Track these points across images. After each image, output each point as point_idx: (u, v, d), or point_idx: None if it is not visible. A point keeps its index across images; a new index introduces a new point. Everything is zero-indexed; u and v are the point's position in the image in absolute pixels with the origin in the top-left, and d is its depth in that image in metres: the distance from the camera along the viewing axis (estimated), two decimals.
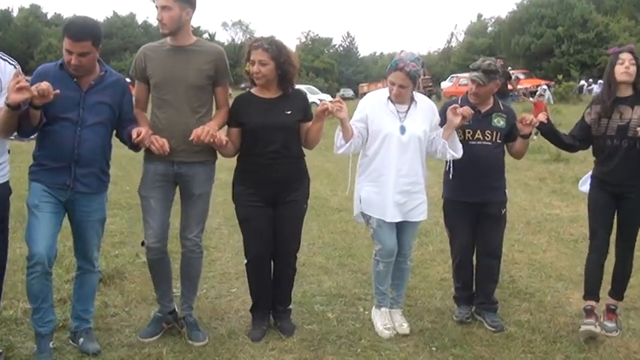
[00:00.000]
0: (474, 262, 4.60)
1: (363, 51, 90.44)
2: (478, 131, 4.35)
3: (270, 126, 4.01)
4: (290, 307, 4.44)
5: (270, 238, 4.16)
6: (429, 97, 25.81)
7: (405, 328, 4.35)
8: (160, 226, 4.05)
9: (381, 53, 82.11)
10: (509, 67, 18.47)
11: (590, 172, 4.49)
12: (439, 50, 77.90)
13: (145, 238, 4.11)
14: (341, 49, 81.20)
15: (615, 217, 4.35)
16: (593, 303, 4.35)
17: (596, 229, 4.38)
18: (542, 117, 4.35)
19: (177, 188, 4.13)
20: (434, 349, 4.11)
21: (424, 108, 4.25)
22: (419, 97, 4.28)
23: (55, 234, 3.74)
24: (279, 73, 4.00)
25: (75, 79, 3.69)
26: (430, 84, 38.21)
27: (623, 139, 4.15)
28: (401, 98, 4.14)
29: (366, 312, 4.65)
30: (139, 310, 4.63)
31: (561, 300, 4.93)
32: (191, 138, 3.78)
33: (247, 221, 4.17)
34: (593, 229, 4.41)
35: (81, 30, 3.61)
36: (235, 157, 4.20)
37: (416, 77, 4.06)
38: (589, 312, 4.31)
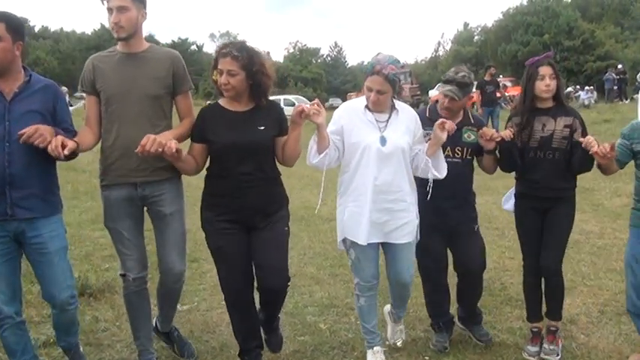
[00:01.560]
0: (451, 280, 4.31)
1: (351, 60, 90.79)
2: (448, 148, 3.97)
3: (242, 145, 3.51)
4: (278, 315, 4.05)
5: (249, 269, 3.67)
6: (417, 105, 25.92)
7: (398, 343, 4.29)
8: (139, 254, 3.75)
9: (376, 54, 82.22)
10: (501, 76, 18.60)
11: (512, 190, 4.28)
12: (426, 59, 78.31)
13: (124, 270, 3.77)
14: (329, 58, 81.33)
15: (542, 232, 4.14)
16: (538, 324, 4.24)
17: (528, 250, 4.22)
18: (506, 134, 3.98)
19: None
20: (427, 358, 4.12)
21: (406, 117, 3.81)
22: (400, 105, 3.83)
23: (15, 281, 3.38)
24: (250, 83, 3.51)
25: None
26: (418, 92, 38.40)
27: (547, 151, 3.97)
28: (379, 106, 3.68)
29: (359, 322, 4.59)
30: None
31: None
32: (136, 150, 3.32)
33: (220, 250, 3.64)
34: (525, 249, 4.25)
35: None
36: (203, 178, 3.74)
37: (395, 81, 3.60)
38: (535, 334, 4.20)
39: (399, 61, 3.66)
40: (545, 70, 3.92)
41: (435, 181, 3.86)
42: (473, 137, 4.07)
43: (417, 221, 3.88)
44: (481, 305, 4.94)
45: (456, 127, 3.83)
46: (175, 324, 4.28)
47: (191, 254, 6.32)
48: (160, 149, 3.31)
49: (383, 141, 3.66)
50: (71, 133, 3.44)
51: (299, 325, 4.64)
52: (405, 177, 3.76)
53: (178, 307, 4.79)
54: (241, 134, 3.54)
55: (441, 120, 3.77)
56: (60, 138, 3.18)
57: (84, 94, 3.83)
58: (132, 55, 3.64)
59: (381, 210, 3.70)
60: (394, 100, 3.80)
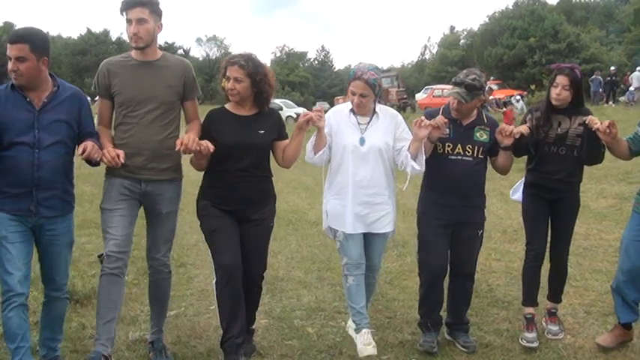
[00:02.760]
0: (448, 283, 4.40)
1: (338, 64, 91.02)
2: (459, 145, 4.13)
3: (243, 145, 3.90)
4: (253, 327, 4.26)
5: (239, 252, 3.93)
6: (404, 109, 25.99)
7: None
8: (123, 236, 3.82)
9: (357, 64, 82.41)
10: (491, 78, 18.66)
11: (522, 181, 4.54)
12: (413, 63, 78.55)
13: (105, 249, 3.83)
14: (316, 62, 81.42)
15: (550, 223, 4.43)
16: (532, 310, 4.42)
17: (532, 237, 4.42)
18: (523, 128, 4.19)
19: (142, 209, 3.99)
20: None
21: (387, 119, 4.10)
22: (381, 108, 4.14)
23: (29, 263, 3.60)
24: (254, 91, 3.90)
25: (27, 99, 3.50)
26: (405, 96, 38.47)
27: (561, 146, 4.25)
28: (362, 108, 4.02)
29: (345, 323, 4.59)
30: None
31: (539, 307, 4.97)
32: (177, 148, 3.67)
33: (216, 232, 3.94)
34: (529, 236, 4.45)
35: (17, 33, 3.53)
36: (195, 181, 4.03)
37: (376, 85, 3.94)
38: (529, 321, 4.36)
39: (378, 68, 4.03)
40: (560, 80, 4.18)
41: (446, 177, 4.12)
42: (485, 137, 4.18)
43: (393, 213, 4.17)
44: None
45: (446, 121, 4.01)
46: (163, 330, 4.27)
47: (178, 259, 6.34)
48: (198, 147, 3.67)
49: (362, 141, 4.00)
50: (95, 135, 3.76)
51: (286, 330, 4.64)
52: (382, 173, 4.06)
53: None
54: (243, 136, 3.91)
55: (418, 118, 3.99)
56: (112, 150, 3.63)
57: (89, 98, 3.99)
58: (147, 64, 3.88)
59: (361, 203, 4.02)
60: (376, 104, 4.08)
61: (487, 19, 56.20)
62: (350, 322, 4.22)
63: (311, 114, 3.87)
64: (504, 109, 19.13)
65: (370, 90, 3.94)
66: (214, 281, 3.95)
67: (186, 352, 4.23)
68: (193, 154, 3.78)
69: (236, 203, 3.95)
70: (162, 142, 3.84)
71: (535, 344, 4.21)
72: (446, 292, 4.38)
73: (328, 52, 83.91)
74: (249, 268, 3.99)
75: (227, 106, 4.06)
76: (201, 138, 3.89)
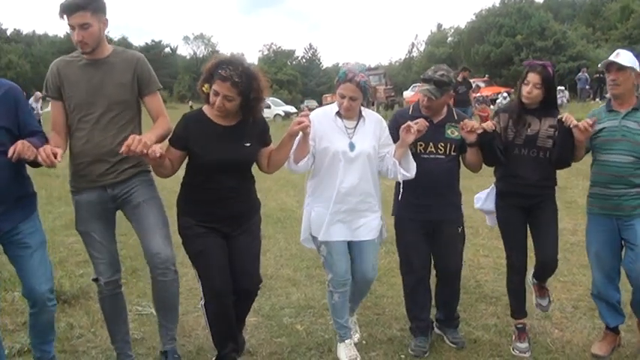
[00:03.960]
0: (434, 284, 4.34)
1: (326, 62, 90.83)
2: (431, 144, 4.05)
3: (230, 161, 3.58)
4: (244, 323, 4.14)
5: (228, 273, 3.68)
6: (392, 106, 26.00)
7: (355, 337, 4.32)
8: (111, 257, 3.73)
9: (344, 64, 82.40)
10: (486, 76, 18.69)
11: (490, 190, 4.36)
12: (401, 60, 78.74)
13: (97, 274, 3.75)
14: (304, 60, 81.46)
15: (530, 231, 4.23)
16: (522, 320, 4.30)
17: (511, 250, 4.29)
18: (488, 125, 4.03)
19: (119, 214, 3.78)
20: (403, 356, 4.14)
21: (372, 123, 3.97)
22: (367, 112, 4.00)
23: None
24: (243, 105, 3.55)
25: None
26: (392, 94, 38.59)
27: (532, 149, 4.07)
28: (351, 112, 3.87)
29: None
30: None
31: (527, 302, 4.99)
32: (121, 151, 3.29)
33: (202, 254, 3.66)
34: (508, 249, 4.32)
35: None
36: (180, 183, 3.75)
37: (366, 88, 3.81)
38: (521, 331, 4.25)
39: (366, 70, 3.93)
40: (531, 77, 4.03)
41: (419, 177, 3.96)
42: (456, 134, 4.09)
43: (381, 220, 4.04)
44: None
45: (427, 124, 3.91)
46: (151, 328, 4.26)
47: None
48: (145, 150, 3.28)
49: (352, 147, 3.85)
50: (38, 134, 3.45)
51: (275, 327, 4.64)
52: (369, 180, 3.92)
53: (153, 311, 4.76)
54: (228, 151, 3.57)
55: (406, 124, 3.86)
56: (48, 147, 3.21)
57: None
58: (97, 62, 3.62)
59: (346, 211, 3.89)
60: (361, 108, 3.95)
61: (474, 17, 56.45)
62: (334, 325, 4.23)
63: (306, 121, 3.60)
64: (483, 106, 19.14)
65: (360, 93, 3.80)
66: (203, 302, 3.77)
67: None
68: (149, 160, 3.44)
69: (223, 220, 3.68)
70: (121, 145, 3.37)
71: (527, 354, 4.12)
72: (434, 289, 4.36)
73: (316, 51, 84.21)
74: (243, 286, 3.76)
75: (206, 110, 3.67)
76: (172, 141, 3.64)
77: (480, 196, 4.43)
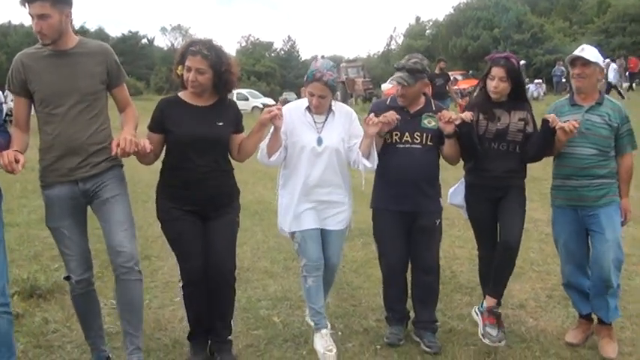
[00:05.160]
0: (410, 277, 4.32)
1: (305, 54, 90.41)
2: (407, 133, 4.05)
3: (202, 138, 3.66)
4: (230, 337, 4.02)
5: (203, 257, 3.76)
6: (370, 99, 26.02)
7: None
8: (82, 254, 3.65)
9: (323, 56, 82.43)
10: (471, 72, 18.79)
11: (460, 184, 4.39)
12: (379, 53, 78.79)
13: (68, 272, 3.67)
14: (282, 52, 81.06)
15: (498, 220, 4.19)
16: (498, 306, 4.18)
17: (481, 243, 4.35)
18: (466, 115, 4.00)
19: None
20: (378, 347, 4.16)
21: (342, 117, 4.06)
22: (337, 106, 4.09)
23: None
24: (216, 81, 3.66)
25: None
26: (371, 86, 38.59)
27: (502, 143, 4.09)
28: (321, 109, 3.97)
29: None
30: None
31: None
32: (113, 153, 3.37)
33: (180, 238, 3.76)
34: (478, 242, 4.37)
35: None
36: (152, 172, 3.77)
37: (334, 86, 3.92)
38: (497, 316, 4.13)
39: (335, 67, 4.00)
40: (496, 72, 4.04)
41: (396, 166, 4.06)
42: (433, 123, 4.08)
43: (349, 211, 4.15)
44: None
45: (397, 117, 3.94)
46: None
47: (142, 251, 6.26)
48: (137, 148, 3.39)
49: (320, 141, 3.96)
50: (2, 132, 3.43)
51: (252, 319, 4.64)
52: (337, 172, 4.03)
53: None
54: (201, 127, 3.67)
55: (367, 116, 3.96)
56: (11, 153, 3.18)
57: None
58: (62, 53, 3.53)
59: (315, 201, 4.00)
60: (332, 102, 4.04)
61: (452, 10, 56.64)
62: (309, 312, 4.25)
63: (276, 110, 3.73)
64: (463, 99, 19.24)
65: (329, 91, 3.90)
66: (181, 284, 3.87)
67: (151, 345, 4.20)
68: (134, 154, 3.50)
69: (200, 202, 3.75)
70: (92, 137, 3.52)
71: (501, 343, 4.04)
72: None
73: (295, 43, 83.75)
74: (219, 266, 3.80)
75: (181, 95, 3.80)
76: (151, 127, 3.74)
77: (452, 192, 4.44)
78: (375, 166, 4.03)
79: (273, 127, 3.83)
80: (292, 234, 4.07)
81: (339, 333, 4.37)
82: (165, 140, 3.74)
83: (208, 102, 3.77)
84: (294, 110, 4.06)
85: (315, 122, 4.00)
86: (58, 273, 5.61)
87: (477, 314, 4.27)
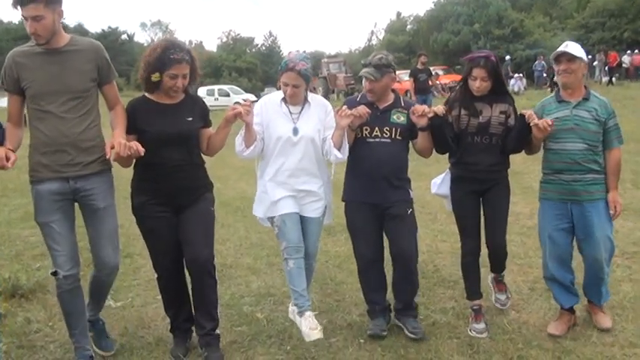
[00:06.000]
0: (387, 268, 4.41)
1: (286, 50, 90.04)
2: (376, 128, 4.15)
3: (175, 135, 3.77)
4: (218, 331, 4.07)
5: (179, 249, 3.89)
6: (352, 94, 25.98)
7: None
8: (70, 250, 3.68)
9: (304, 51, 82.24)
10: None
11: (444, 175, 4.49)
12: (360, 49, 78.74)
13: (55, 267, 3.69)
14: (263, 48, 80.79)
15: (483, 212, 4.37)
16: (478, 302, 4.40)
17: (465, 233, 4.40)
18: (438, 109, 4.14)
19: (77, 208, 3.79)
20: (362, 341, 4.18)
21: (317, 107, 4.14)
22: (312, 97, 4.18)
23: None
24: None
25: None
26: (352, 82, 38.62)
27: (484, 136, 4.21)
28: (295, 98, 4.03)
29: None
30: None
31: (484, 285, 5.08)
32: (108, 157, 3.53)
33: (153, 233, 3.90)
34: (462, 233, 4.43)
35: None
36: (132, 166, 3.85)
37: (307, 75, 3.98)
38: (477, 312, 4.36)
39: (308, 58, 4.06)
40: (477, 73, 4.14)
41: (366, 160, 4.15)
42: (402, 119, 4.20)
43: (325, 201, 4.19)
44: None
45: (368, 111, 4.02)
46: (109, 320, 4.26)
47: (124, 249, 6.23)
48: (129, 152, 3.49)
49: (295, 131, 4.02)
50: None
51: (235, 316, 4.64)
52: (313, 162, 4.10)
53: (112, 304, 4.76)
54: (171, 124, 3.79)
55: (338, 108, 4.02)
56: (2, 150, 3.30)
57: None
58: (54, 51, 3.58)
59: (292, 190, 4.05)
60: (307, 93, 4.12)
61: (433, 5, 56.70)
62: (292, 307, 4.18)
63: (239, 108, 3.80)
64: (450, 94, 19.35)
65: (302, 80, 3.97)
66: (156, 277, 4.07)
67: (134, 343, 4.20)
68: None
69: (171, 195, 3.85)
70: (83, 134, 3.61)
71: (485, 335, 4.21)
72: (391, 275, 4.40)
73: (276, 38, 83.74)
74: (196, 255, 3.87)
75: (148, 95, 3.89)
76: (129, 132, 3.78)
77: (435, 181, 4.53)
78: (346, 157, 4.11)
79: (245, 123, 3.91)
80: (271, 219, 4.10)
81: (324, 328, 4.36)
82: (139, 138, 3.73)
83: (177, 99, 3.89)
84: (270, 103, 4.14)
85: (290, 112, 4.07)
86: (40, 272, 5.59)
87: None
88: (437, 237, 6.66)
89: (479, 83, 4.14)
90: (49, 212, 3.62)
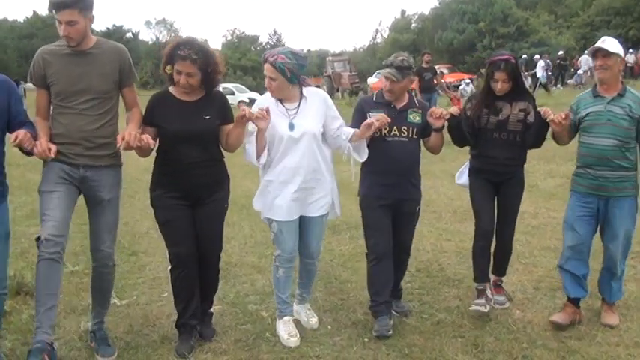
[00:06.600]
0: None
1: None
2: (395, 127, 4.25)
3: (189, 132, 3.86)
4: (212, 310, 4.33)
5: (193, 242, 4.00)
6: (356, 93, 25.97)
7: (313, 322, 4.41)
8: (61, 219, 3.69)
9: (309, 50, 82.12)
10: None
11: (466, 165, 4.74)
12: (365, 47, 78.65)
13: (41, 232, 3.68)
14: (268, 46, 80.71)
15: (497, 203, 4.61)
16: (484, 283, 4.60)
17: (481, 216, 4.59)
18: (454, 110, 4.45)
19: (82, 198, 3.92)
20: (366, 340, 4.18)
21: (315, 101, 4.16)
22: (309, 91, 4.19)
23: None
24: (204, 80, 3.89)
25: None
26: (357, 80, 38.60)
27: (503, 132, 4.43)
28: (278, 92, 4.06)
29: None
30: (68, 322, 4.49)
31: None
32: (118, 145, 3.63)
33: (169, 223, 3.98)
34: (478, 216, 4.61)
35: None
36: (141, 170, 3.97)
37: (284, 70, 3.94)
38: (480, 291, 4.57)
39: (292, 54, 4.01)
40: (499, 75, 4.34)
41: (385, 158, 4.25)
42: (418, 119, 4.34)
43: (331, 197, 4.24)
44: (419, 287, 5.10)
45: (388, 120, 4.11)
46: (114, 318, 4.29)
47: (130, 247, 6.29)
48: (139, 144, 3.63)
49: (291, 127, 4.04)
50: (28, 124, 3.69)
51: (240, 314, 4.64)
52: (317, 158, 4.12)
53: (117, 301, 4.76)
54: (188, 123, 3.88)
55: (369, 120, 4.08)
56: (44, 142, 3.58)
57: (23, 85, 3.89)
58: (81, 53, 3.77)
59: (298, 190, 4.07)
60: (303, 88, 4.16)
61: (438, 4, 56.66)
62: (296, 306, 4.46)
63: (247, 111, 3.85)
64: (454, 93, 19.33)
65: (278, 74, 3.97)
66: (169, 268, 4.07)
67: (139, 341, 4.19)
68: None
69: (188, 190, 3.95)
70: (98, 131, 3.79)
71: (486, 309, 4.41)
72: None
73: (280, 37, 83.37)
74: (205, 250, 4.05)
75: (172, 89, 3.99)
76: (145, 124, 3.93)
77: (459, 173, 4.85)
78: (365, 159, 4.23)
79: (257, 129, 3.94)
80: (269, 221, 4.16)
81: (328, 327, 4.38)
82: (158, 133, 3.92)
83: (196, 97, 3.96)
84: (265, 103, 4.10)
85: (286, 109, 4.10)
86: None
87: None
88: (441, 236, 6.66)
89: (500, 85, 4.34)
90: (54, 184, 3.76)
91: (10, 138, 3.53)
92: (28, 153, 3.64)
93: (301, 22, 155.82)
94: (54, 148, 3.60)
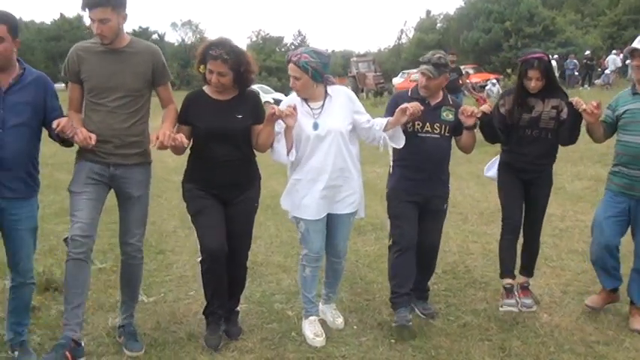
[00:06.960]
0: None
1: None
2: (427, 124, 4.32)
3: (222, 131, 3.92)
4: (238, 309, 4.37)
5: (224, 233, 4.01)
6: (381, 93, 25.85)
7: (339, 323, 4.42)
8: (89, 220, 3.77)
9: (333, 51, 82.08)
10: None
11: (496, 159, 4.80)
12: (389, 47, 78.36)
13: (69, 233, 3.80)
14: (293, 47, 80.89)
15: (525, 201, 4.66)
16: (510, 281, 4.66)
17: (509, 210, 4.65)
18: (485, 108, 4.49)
19: (111, 194, 4.00)
20: (393, 341, 4.17)
21: (340, 99, 4.17)
22: (333, 89, 4.19)
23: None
24: (236, 79, 3.93)
25: None
26: (382, 80, 38.46)
27: (535, 129, 4.47)
28: (303, 92, 4.08)
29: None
30: (96, 318, 4.55)
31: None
32: (153, 145, 3.72)
33: (201, 214, 4.03)
34: (506, 210, 4.67)
35: None
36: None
37: (308, 68, 3.96)
38: (509, 290, 4.64)
39: (316, 53, 4.03)
40: (532, 74, 4.37)
41: (416, 153, 4.31)
42: (451, 116, 4.39)
43: (359, 194, 4.25)
44: (446, 288, 5.07)
45: (422, 108, 4.12)
46: (142, 315, 4.33)
47: (157, 246, 6.34)
48: (173, 143, 3.69)
49: (316, 126, 4.06)
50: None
51: (266, 313, 4.66)
52: (345, 156, 4.11)
53: (145, 299, 4.80)
54: (221, 122, 3.94)
55: (403, 105, 4.07)
56: (84, 131, 3.64)
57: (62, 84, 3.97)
58: (114, 51, 3.83)
59: (326, 188, 4.08)
60: (327, 87, 4.16)
61: (463, 3, 56.22)
62: (322, 306, 4.50)
63: (276, 108, 3.91)
64: (480, 93, 19.18)
65: (302, 72, 3.99)
66: (199, 259, 4.09)
67: (166, 338, 4.23)
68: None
69: (219, 187, 4.01)
70: (129, 130, 3.86)
71: (515, 309, 4.52)
72: None
73: (305, 37, 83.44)
74: (235, 249, 4.07)
75: (206, 89, 4.06)
76: (179, 122, 4.01)
77: (488, 165, 4.88)
78: (403, 145, 4.25)
79: (285, 126, 3.98)
80: (297, 220, 4.19)
81: (354, 327, 4.39)
82: (192, 131, 4.00)
83: (229, 96, 4.02)
84: (292, 103, 4.11)
85: (311, 109, 4.11)
86: None
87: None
88: (468, 237, 6.62)
89: (534, 83, 4.36)
90: (83, 184, 3.83)
91: (53, 124, 3.58)
92: (66, 142, 3.73)
93: (326, 22, 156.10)
94: (94, 135, 3.66)
